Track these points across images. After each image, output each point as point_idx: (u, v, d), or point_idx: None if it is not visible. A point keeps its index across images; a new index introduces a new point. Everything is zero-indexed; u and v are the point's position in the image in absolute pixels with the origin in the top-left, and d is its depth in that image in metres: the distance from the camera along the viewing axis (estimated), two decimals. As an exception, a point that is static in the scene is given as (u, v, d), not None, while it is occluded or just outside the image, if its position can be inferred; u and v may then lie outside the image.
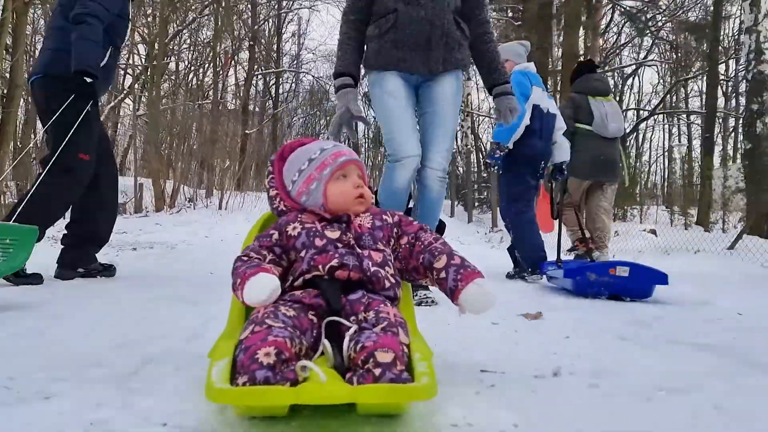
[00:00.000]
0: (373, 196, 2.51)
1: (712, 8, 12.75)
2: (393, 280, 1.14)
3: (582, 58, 12.15)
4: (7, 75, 10.43)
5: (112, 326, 1.72)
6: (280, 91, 24.58)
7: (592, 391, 1.09)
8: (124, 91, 18.26)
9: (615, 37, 19.03)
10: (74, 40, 2.77)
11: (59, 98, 2.79)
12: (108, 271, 3.11)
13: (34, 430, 0.84)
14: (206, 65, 20.82)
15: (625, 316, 2.17)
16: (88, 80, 2.78)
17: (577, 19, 13.33)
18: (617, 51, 19.27)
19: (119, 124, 19.64)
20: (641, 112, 20.08)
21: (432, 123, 2.48)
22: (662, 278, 2.67)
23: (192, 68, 21.50)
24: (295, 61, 24.86)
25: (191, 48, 20.91)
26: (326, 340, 0.94)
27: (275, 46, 23.05)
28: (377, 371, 0.85)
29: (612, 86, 18.44)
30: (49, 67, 2.90)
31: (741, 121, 9.31)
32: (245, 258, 1.14)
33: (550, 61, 14.46)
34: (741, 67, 10.28)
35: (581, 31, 13.90)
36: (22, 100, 11.38)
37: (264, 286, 1.02)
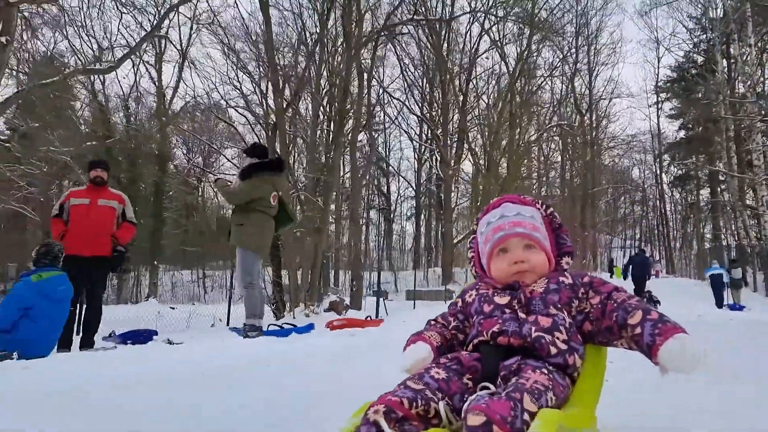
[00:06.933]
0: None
1: None
2: (563, 347, 1.07)
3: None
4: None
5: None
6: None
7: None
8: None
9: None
10: None
11: None
12: None
13: None
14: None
15: None
16: None
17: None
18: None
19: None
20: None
21: None
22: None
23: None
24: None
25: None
26: (443, 403, 0.93)
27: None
28: None
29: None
30: None
31: None
32: (432, 322, 1.23)
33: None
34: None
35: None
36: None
37: (407, 356, 1.11)
